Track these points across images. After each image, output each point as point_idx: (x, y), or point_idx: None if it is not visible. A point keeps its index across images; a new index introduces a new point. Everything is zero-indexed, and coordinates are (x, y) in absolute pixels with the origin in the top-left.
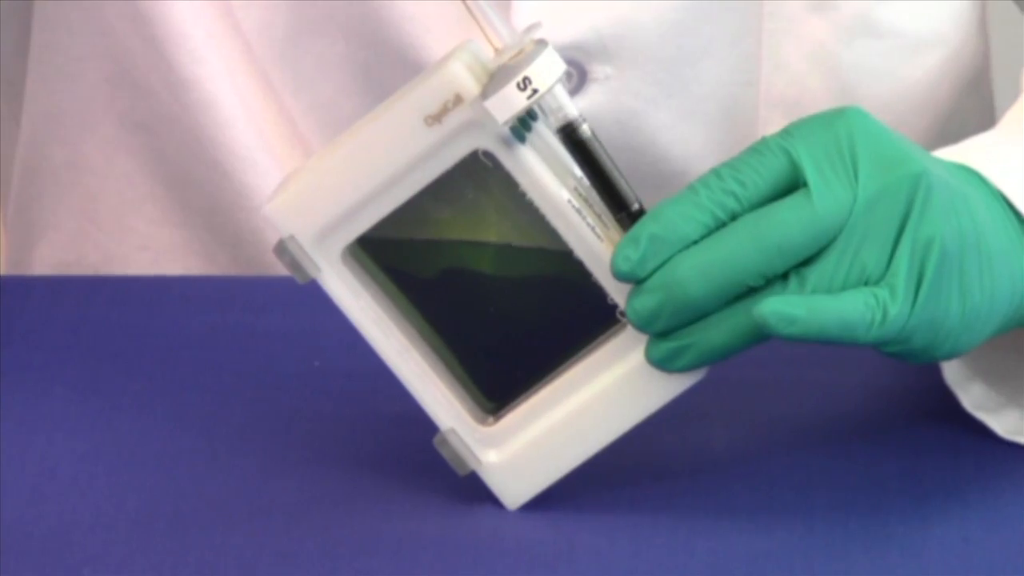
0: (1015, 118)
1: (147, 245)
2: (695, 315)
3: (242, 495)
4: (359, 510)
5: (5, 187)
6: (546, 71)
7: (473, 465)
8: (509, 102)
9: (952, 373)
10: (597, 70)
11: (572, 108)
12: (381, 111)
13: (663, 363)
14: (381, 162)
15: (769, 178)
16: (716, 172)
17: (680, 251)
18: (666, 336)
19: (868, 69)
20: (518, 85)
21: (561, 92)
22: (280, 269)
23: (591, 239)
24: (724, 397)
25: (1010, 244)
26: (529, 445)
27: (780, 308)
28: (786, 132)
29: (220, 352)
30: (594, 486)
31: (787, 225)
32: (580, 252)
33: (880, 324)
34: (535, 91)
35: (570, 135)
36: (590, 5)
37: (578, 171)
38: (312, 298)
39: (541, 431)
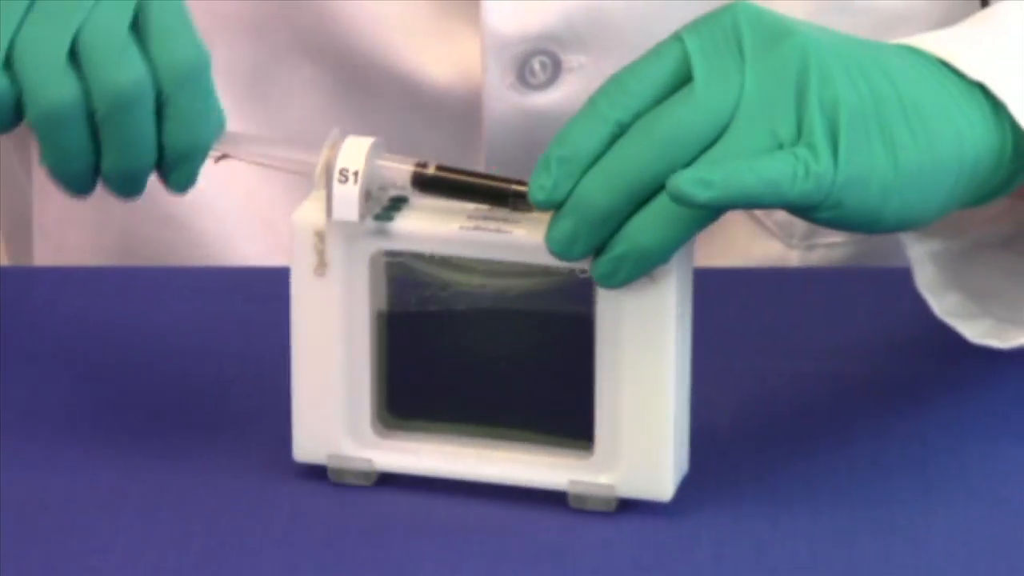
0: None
1: None
2: (616, 227)
3: (247, 489)
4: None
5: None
6: (354, 151)
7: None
8: (347, 200)
9: (926, 279)
10: (571, 60)
11: (404, 165)
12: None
13: (607, 280)
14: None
15: (665, 76)
16: (616, 78)
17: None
18: (599, 253)
19: None
20: (339, 181)
21: (383, 159)
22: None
23: (504, 239)
24: (728, 387)
25: (952, 103)
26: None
27: (694, 174)
28: (679, 31)
29: (220, 341)
30: None
31: (675, 117)
32: (508, 256)
33: (804, 177)
34: (356, 173)
35: (422, 184)
36: None
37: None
38: None
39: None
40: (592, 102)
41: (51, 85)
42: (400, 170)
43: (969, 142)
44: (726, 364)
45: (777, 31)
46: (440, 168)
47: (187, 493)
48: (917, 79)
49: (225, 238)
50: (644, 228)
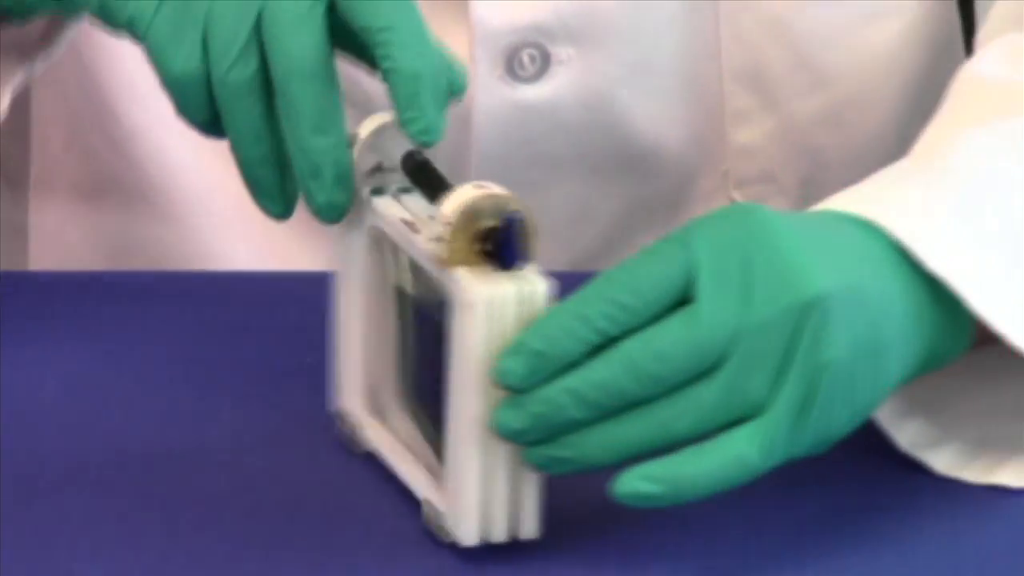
0: (924, 149)
1: None
2: (569, 431)
3: (238, 493)
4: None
5: None
6: (370, 122)
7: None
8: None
9: (884, 412)
10: (560, 52)
11: (402, 146)
12: None
13: (541, 469)
14: None
15: (664, 293)
16: (608, 278)
17: (559, 372)
18: (544, 442)
19: (824, 37)
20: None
21: (391, 137)
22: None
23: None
24: None
25: (907, 309)
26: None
27: (637, 488)
28: (686, 235)
29: (217, 348)
30: (582, 484)
31: (666, 357)
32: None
33: (758, 467)
34: (355, 136)
35: (408, 169)
36: None
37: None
38: (305, 294)
39: None
40: (582, 299)
41: (226, 64)
42: (399, 149)
43: (916, 342)
44: None
45: (791, 273)
46: (423, 163)
47: (188, 497)
48: (882, 292)
49: (221, 239)
50: (599, 446)
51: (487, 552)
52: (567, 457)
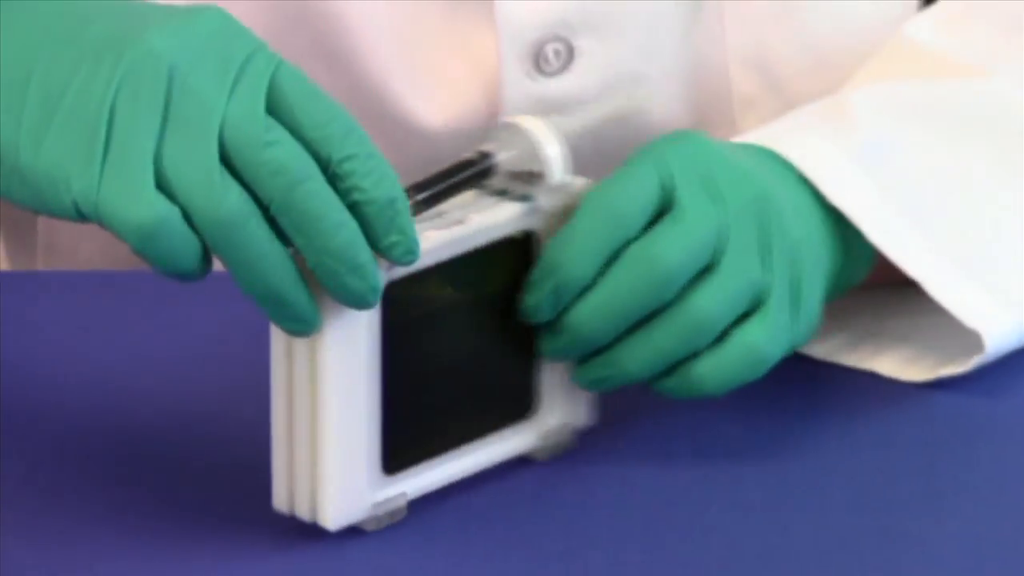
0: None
1: None
2: (605, 346)
3: (240, 492)
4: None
5: None
6: None
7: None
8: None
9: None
10: (583, 45)
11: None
12: None
13: (591, 388)
14: None
15: (647, 201)
16: (596, 202)
17: (579, 295)
18: (587, 363)
19: (828, 18)
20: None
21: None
22: None
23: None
24: (735, 393)
25: (821, 215)
26: None
27: (664, 384)
28: (653, 156)
29: (217, 347)
30: (605, 481)
31: (669, 257)
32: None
33: (767, 354)
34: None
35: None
36: None
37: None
38: None
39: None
40: (581, 227)
41: (216, 197)
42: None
43: (845, 263)
44: None
45: (743, 174)
46: (417, 187)
47: (192, 503)
48: (810, 210)
49: None
50: (632, 356)
51: None
52: (608, 375)
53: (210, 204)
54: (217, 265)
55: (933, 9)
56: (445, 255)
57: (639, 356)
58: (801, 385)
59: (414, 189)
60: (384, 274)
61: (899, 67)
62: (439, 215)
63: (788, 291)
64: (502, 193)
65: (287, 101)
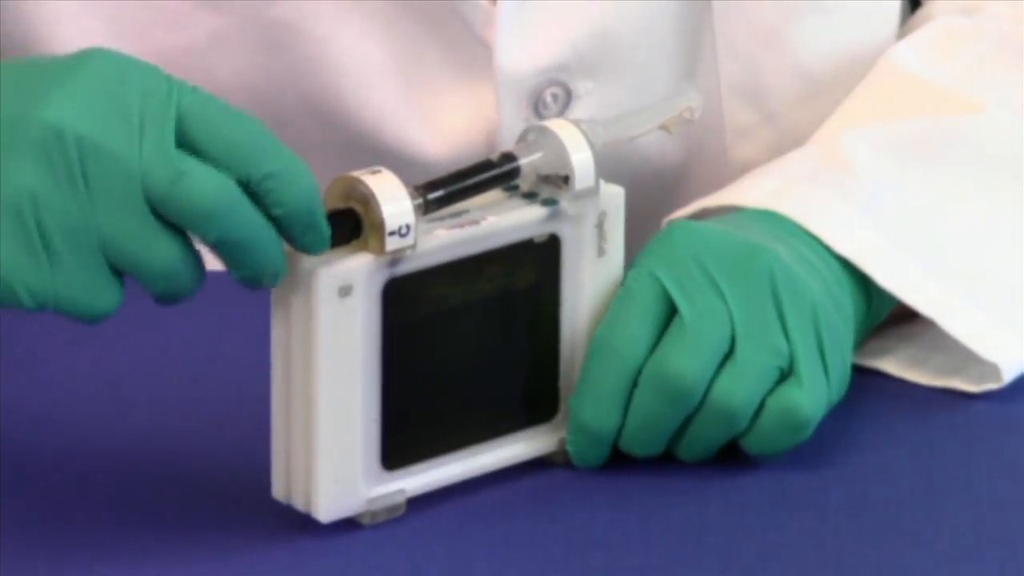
0: (828, 134)
1: None
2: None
3: (241, 492)
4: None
5: None
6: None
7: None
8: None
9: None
10: (580, 87)
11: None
12: None
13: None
14: None
15: (650, 324)
16: (605, 341)
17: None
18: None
19: (819, 46)
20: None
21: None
22: None
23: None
24: None
25: (835, 266)
26: None
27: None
28: (645, 267)
29: (218, 347)
30: (604, 481)
31: (683, 372)
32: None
33: (809, 413)
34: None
35: (428, 207)
36: (564, 24)
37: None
38: None
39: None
40: (596, 375)
41: (150, 256)
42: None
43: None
44: None
45: (737, 252)
46: (431, 186)
47: (192, 503)
48: (823, 263)
49: None
50: (682, 452)
51: None
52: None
53: (151, 265)
54: (217, 265)
55: (919, 33)
56: (454, 254)
57: (688, 452)
58: None
59: (427, 187)
60: (385, 271)
61: (886, 95)
62: (459, 215)
63: (816, 350)
64: (531, 196)
65: (196, 128)
